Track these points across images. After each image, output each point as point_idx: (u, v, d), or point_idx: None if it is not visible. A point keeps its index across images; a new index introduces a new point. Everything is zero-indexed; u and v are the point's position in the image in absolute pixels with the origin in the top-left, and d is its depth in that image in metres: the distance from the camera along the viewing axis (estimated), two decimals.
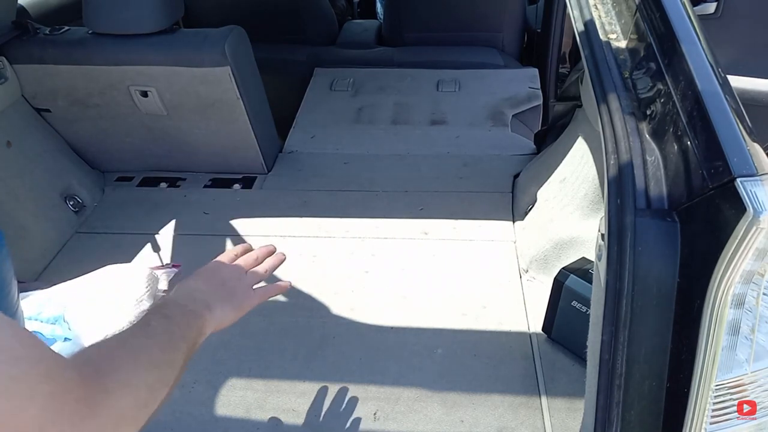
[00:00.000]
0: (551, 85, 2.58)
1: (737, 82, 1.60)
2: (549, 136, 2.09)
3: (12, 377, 0.39)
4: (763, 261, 0.66)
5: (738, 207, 0.64)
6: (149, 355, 0.59)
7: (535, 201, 1.79)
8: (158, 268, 1.65)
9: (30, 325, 1.35)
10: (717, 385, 0.70)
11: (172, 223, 1.92)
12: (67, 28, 1.89)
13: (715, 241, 0.67)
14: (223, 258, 0.87)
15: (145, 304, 1.55)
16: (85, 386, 0.46)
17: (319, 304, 1.60)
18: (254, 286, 0.84)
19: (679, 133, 0.80)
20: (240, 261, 0.87)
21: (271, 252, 0.92)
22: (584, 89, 1.68)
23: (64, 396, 0.43)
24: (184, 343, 0.66)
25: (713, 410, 0.71)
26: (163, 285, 1.62)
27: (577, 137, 1.67)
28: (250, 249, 0.91)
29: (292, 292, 1.65)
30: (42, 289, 1.58)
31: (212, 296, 0.76)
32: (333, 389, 1.37)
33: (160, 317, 0.66)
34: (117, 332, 0.61)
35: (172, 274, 1.66)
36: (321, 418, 1.32)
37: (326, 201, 1.98)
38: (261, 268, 0.89)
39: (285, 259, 0.93)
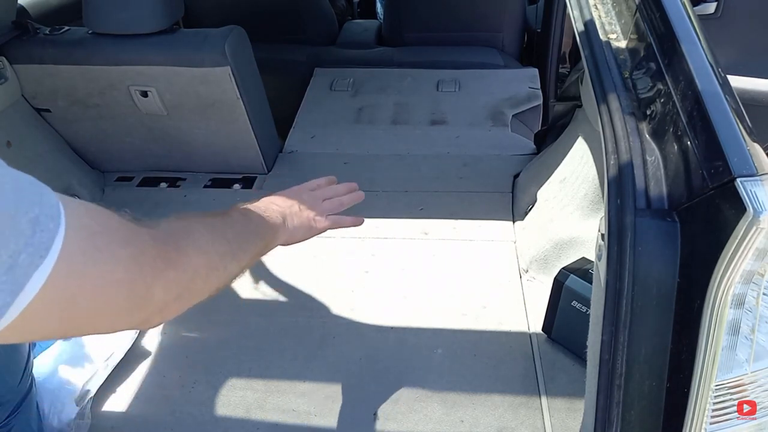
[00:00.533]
0: (551, 85, 2.58)
1: (737, 82, 1.60)
2: (549, 136, 2.09)
3: (96, 248, 0.45)
4: (763, 261, 0.66)
5: (738, 207, 0.64)
6: (223, 232, 0.66)
7: (535, 201, 1.79)
8: None
9: None
10: (717, 385, 0.70)
11: None
12: (67, 28, 1.89)
13: (715, 241, 0.67)
14: (304, 185, 0.95)
15: None
16: (160, 245, 0.53)
17: (319, 304, 1.60)
18: (328, 215, 0.93)
19: (679, 133, 0.80)
20: (319, 192, 0.96)
21: (352, 189, 1.00)
22: (584, 89, 1.68)
23: (143, 255, 0.50)
24: (257, 238, 0.73)
25: (713, 410, 0.71)
26: None
27: (577, 137, 1.67)
28: (334, 182, 0.99)
29: (292, 292, 1.65)
30: None
31: (288, 211, 0.85)
32: (333, 389, 1.37)
33: (239, 213, 0.74)
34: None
35: None
36: (321, 418, 1.32)
37: None
38: (337, 201, 0.97)
39: (363, 197, 1.01)
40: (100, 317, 0.47)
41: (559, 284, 1.39)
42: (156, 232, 0.54)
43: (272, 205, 0.83)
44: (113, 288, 0.46)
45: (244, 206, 0.79)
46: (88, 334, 0.51)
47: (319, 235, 1.82)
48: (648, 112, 0.89)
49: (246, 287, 1.67)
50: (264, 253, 0.75)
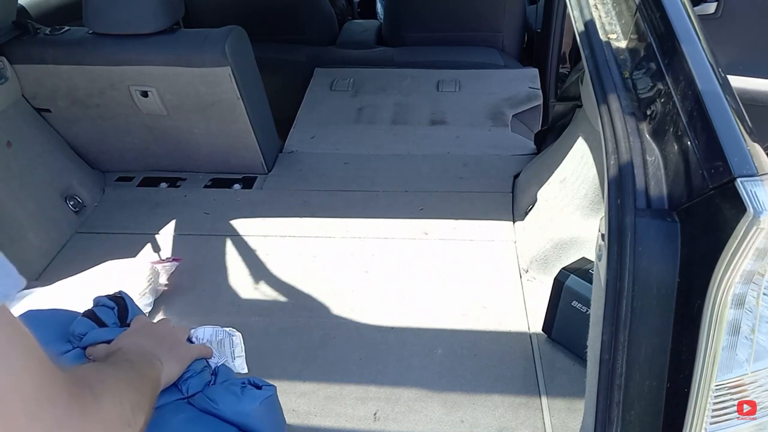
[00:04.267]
0: (551, 85, 2.58)
1: (737, 82, 1.60)
2: (549, 136, 2.09)
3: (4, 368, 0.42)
4: (763, 261, 0.66)
5: (738, 207, 0.64)
6: (129, 380, 0.62)
7: (535, 201, 1.79)
8: (159, 262, 1.66)
9: None
10: (717, 385, 0.70)
11: (172, 223, 1.92)
12: (67, 28, 1.89)
13: (715, 241, 0.67)
14: (147, 322, 0.90)
15: (148, 298, 1.55)
16: (76, 386, 0.48)
17: (319, 304, 1.60)
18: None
19: (680, 133, 0.80)
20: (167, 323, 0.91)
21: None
22: (584, 89, 1.68)
23: (56, 388, 0.46)
24: (149, 385, 0.67)
25: (713, 410, 0.71)
26: (163, 279, 1.63)
27: (577, 137, 1.67)
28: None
29: (292, 292, 1.65)
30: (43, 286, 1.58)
31: (159, 351, 0.78)
32: (333, 389, 1.37)
33: (123, 360, 0.68)
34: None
35: (173, 269, 1.66)
36: (321, 418, 1.32)
37: (326, 201, 1.98)
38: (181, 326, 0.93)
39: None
40: None
41: (559, 284, 1.39)
42: (71, 374, 0.51)
43: (145, 347, 0.77)
44: (13, 411, 0.42)
45: (120, 351, 0.73)
46: None
47: (319, 236, 1.84)
48: (648, 112, 0.89)
49: (246, 287, 1.67)
50: (152, 405, 0.67)
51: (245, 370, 1.05)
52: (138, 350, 0.75)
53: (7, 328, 0.43)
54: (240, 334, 1.09)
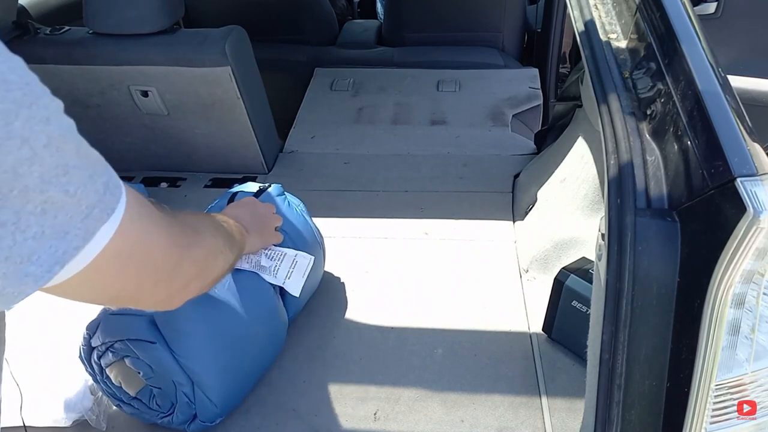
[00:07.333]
0: (551, 85, 2.59)
1: (737, 82, 1.60)
2: (549, 136, 2.09)
3: (146, 215, 0.52)
4: (764, 261, 0.66)
5: (738, 207, 0.64)
6: (222, 228, 0.78)
7: (535, 201, 1.79)
8: None
9: None
10: (717, 385, 0.70)
11: None
12: (67, 28, 1.89)
13: (716, 240, 0.67)
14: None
15: None
16: (182, 225, 0.61)
17: (319, 304, 1.60)
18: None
19: (679, 133, 0.80)
20: (270, 207, 1.21)
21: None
22: (584, 89, 1.68)
23: (172, 228, 0.57)
24: (236, 243, 0.82)
25: (713, 410, 0.71)
26: None
27: (578, 137, 1.67)
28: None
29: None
30: None
31: (251, 225, 1.02)
32: (333, 389, 1.37)
33: (220, 220, 0.84)
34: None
35: None
36: (321, 418, 1.32)
37: (326, 201, 1.98)
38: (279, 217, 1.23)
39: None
40: (142, 283, 0.53)
41: (559, 284, 1.39)
42: (174, 215, 0.62)
43: (240, 219, 0.97)
44: (158, 251, 0.53)
45: (217, 216, 0.89)
46: (125, 305, 0.57)
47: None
48: (648, 112, 0.89)
49: None
50: (236, 262, 0.85)
51: (297, 294, 1.30)
52: (234, 219, 0.93)
53: (126, 184, 0.50)
54: (311, 257, 1.35)
